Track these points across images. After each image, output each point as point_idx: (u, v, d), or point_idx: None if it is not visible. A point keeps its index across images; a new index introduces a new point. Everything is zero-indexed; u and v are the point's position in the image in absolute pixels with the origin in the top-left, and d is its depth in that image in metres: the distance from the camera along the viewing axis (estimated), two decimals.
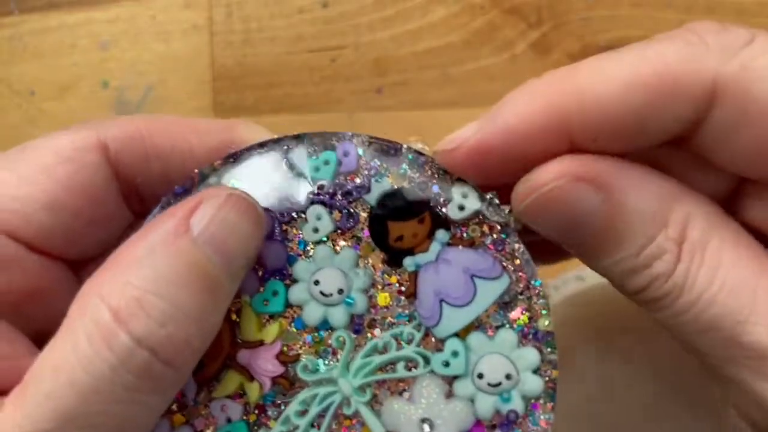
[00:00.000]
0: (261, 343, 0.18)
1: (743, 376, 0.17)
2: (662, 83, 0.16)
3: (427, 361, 0.18)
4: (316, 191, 0.19)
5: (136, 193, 0.20)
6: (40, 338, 0.19)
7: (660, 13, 0.33)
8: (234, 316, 0.19)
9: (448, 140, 0.18)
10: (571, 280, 0.29)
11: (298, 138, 0.19)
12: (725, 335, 0.16)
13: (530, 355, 0.17)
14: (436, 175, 0.19)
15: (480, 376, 0.17)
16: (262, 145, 0.19)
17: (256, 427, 0.18)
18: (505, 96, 0.18)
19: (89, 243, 0.19)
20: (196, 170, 0.19)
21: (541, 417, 0.17)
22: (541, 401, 0.17)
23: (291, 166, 0.19)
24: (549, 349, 0.17)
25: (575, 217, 0.17)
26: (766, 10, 0.32)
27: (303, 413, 0.18)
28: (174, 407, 0.18)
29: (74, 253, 0.19)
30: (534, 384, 0.17)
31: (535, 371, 0.17)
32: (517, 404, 0.17)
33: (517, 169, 0.17)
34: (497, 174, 0.18)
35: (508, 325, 0.18)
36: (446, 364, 0.17)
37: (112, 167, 0.19)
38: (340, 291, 0.18)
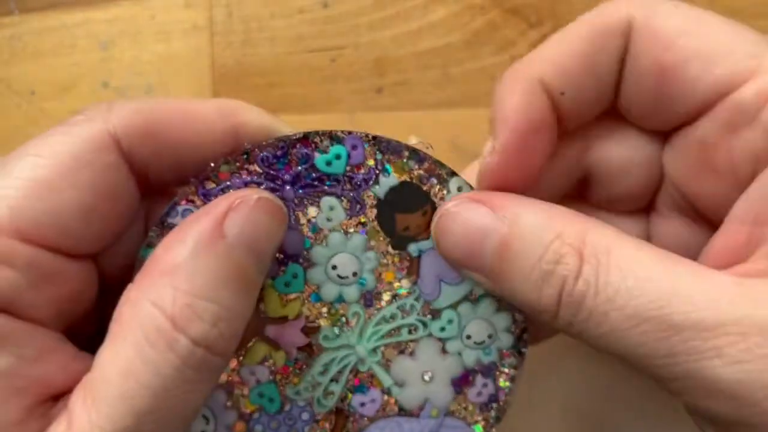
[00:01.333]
0: (285, 318, 0.21)
1: (683, 364, 0.16)
2: (596, 26, 0.20)
3: (425, 326, 0.22)
4: (328, 183, 0.21)
5: (145, 178, 0.20)
6: (71, 335, 0.20)
7: None
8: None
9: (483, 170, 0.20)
10: None
11: (306, 135, 0.20)
12: (655, 323, 0.16)
13: (505, 318, 0.22)
14: (434, 169, 0.21)
15: (468, 337, 0.22)
16: (273, 142, 0.20)
17: (282, 385, 0.21)
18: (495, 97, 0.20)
19: (113, 238, 0.20)
20: (211, 164, 0.20)
21: (512, 361, 0.22)
22: (511, 351, 0.22)
23: (302, 160, 0.21)
24: (518, 311, 0.22)
25: (474, 234, 0.19)
26: (764, 11, 0.33)
27: (324, 373, 0.21)
28: None
29: (100, 249, 0.20)
30: (507, 339, 0.22)
31: (508, 330, 0.22)
32: (495, 356, 0.22)
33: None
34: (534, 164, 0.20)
35: (488, 295, 0.22)
36: (442, 329, 0.22)
37: (127, 162, 0.19)
38: (354, 274, 0.21)
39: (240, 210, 0.18)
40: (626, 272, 0.17)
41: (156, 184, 0.21)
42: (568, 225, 0.18)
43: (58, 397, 0.19)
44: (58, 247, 0.18)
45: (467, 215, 0.20)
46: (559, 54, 0.20)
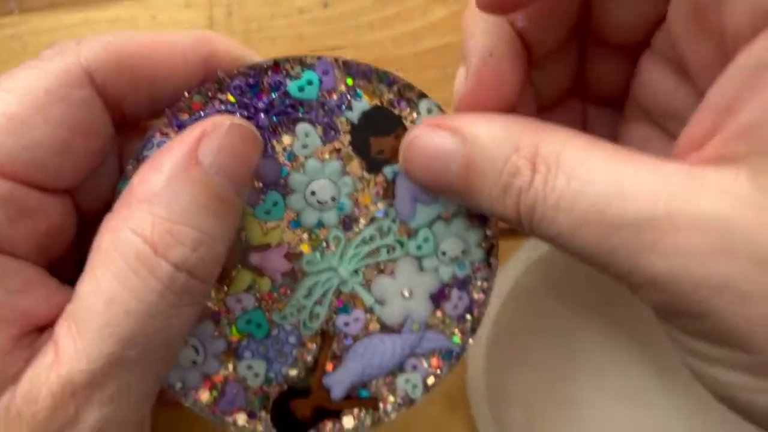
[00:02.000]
0: (268, 245, 0.21)
1: (624, 261, 0.17)
2: None
3: (402, 245, 0.23)
4: (301, 110, 0.21)
5: (119, 112, 0.20)
6: (54, 269, 0.20)
7: None
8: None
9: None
10: None
11: (277, 62, 0.21)
12: (595, 225, 0.17)
13: (477, 233, 0.23)
14: (404, 93, 0.22)
15: (443, 253, 0.23)
16: (246, 69, 0.20)
17: (268, 311, 0.22)
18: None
19: (88, 173, 0.20)
20: (185, 93, 0.20)
21: (485, 274, 0.24)
22: (483, 264, 0.24)
23: (275, 87, 0.21)
24: (489, 227, 0.23)
25: (438, 158, 0.20)
26: None
27: (308, 296, 0.22)
28: None
29: (76, 184, 0.19)
30: (479, 253, 0.23)
31: (479, 245, 0.23)
32: (468, 269, 0.23)
33: None
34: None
35: (460, 213, 0.23)
36: (419, 248, 0.23)
37: (101, 96, 0.19)
38: (333, 198, 0.22)
39: (213, 136, 0.18)
40: (571, 176, 0.17)
41: (131, 118, 0.20)
42: (524, 137, 0.19)
43: (43, 329, 0.19)
44: (35, 182, 0.18)
45: (428, 142, 0.20)
46: None
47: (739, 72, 0.17)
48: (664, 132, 0.24)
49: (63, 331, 0.18)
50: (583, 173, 0.17)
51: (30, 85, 0.18)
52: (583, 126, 0.26)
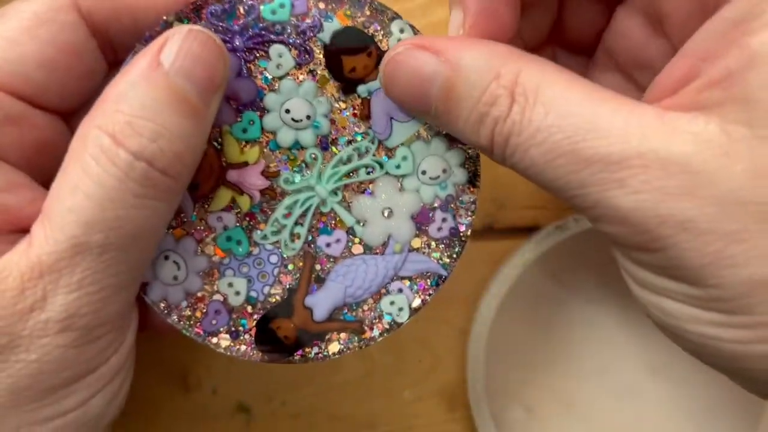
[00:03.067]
0: (245, 164, 0.22)
1: (593, 194, 0.17)
2: None
3: (381, 166, 0.23)
4: (275, 32, 0.22)
5: (110, 46, 0.22)
6: (49, 186, 0.21)
7: None
8: (218, 144, 0.22)
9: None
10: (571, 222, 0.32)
11: None
12: (569, 158, 0.17)
13: (458, 154, 0.23)
14: (376, 14, 0.22)
15: (423, 173, 0.23)
16: None
17: (250, 230, 0.22)
18: None
19: (77, 95, 0.21)
20: (163, 17, 0.21)
21: (468, 197, 0.23)
22: (468, 187, 0.23)
23: (248, 11, 0.22)
24: (471, 149, 0.23)
25: (419, 78, 0.20)
26: None
27: (287, 215, 0.22)
28: (175, 224, 0.22)
29: (66, 105, 0.21)
30: (461, 174, 0.23)
31: (462, 165, 0.23)
32: (450, 190, 0.23)
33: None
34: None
35: (441, 134, 0.23)
36: (398, 167, 0.23)
37: (87, 24, 0.21)
38: (308, 117, 0.22)
39: (173, 40, 0.19)
40: (549, 109, 0.18)
41: (121, 50, 0.22)
42: (506, 64, 0.19)
43: (27, 231, 0.20)
44: (23, 95, 0.20)
45: (412, 62, 0.20)
46: None
47: (720, 24, 0.18)
48: (631, 82, 0.25)
49: (37, 223, 0.19)
50: (561, 107, 0.18)
51: (19, 8, 0.20)
52: None
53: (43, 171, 0.21)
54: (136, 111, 0.18)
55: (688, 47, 0.19)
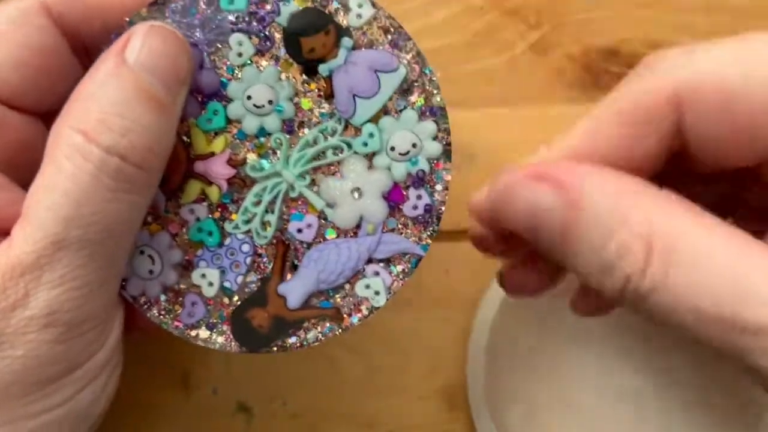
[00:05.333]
0: (212, 154, 0.22)
1: (752, 358, 0.16)
2: (636, 115, 0.18)
3: (349, 146, 0.22)
4: (234, 21, 0.22)
5: (82, 48, 0.23)
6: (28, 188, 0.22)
7: (660, 15, 0.33)
8: (186, 138, 0.22)
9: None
10: None
11: None
12: (727, 324, 0.16)
13: (429, 126, 0.22)
14: None
15: (392, 149, 0.22)
16: None
17: (221, 221, 0.22)
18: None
19: (54, 96, 0.22)
20: (126, 18, 0.22)
21: (443, 173, 0.22)
22: (441, 161, 0.22)
23: (208, 4, 0.22)
24: (443, 120, 0.22)
25: (534, 213, 0.18)
26: (763, 12, 0.32)
27: (257, 203, 0.22)
28: (149, 219, 0.22)
29: (43, 106, 0.22)
30: (434, 148, 0.22)
31: (434, 138, 0.22)
32: (423, 165, 0.22)
33: None
34: None
35: (409, 107, 0.22)
36: (365, 145, 0.22)
37: (59, 27, 0.22)
38: (270, 102, 0.22)
39: (135, 37, 0.20)
40: (694, 267, 0.16)
41: (94, 53, 0.23)
42: (636, 206, 0.17)
43: (7, 234, 0.21)
44: None
45: (526, 194, 0.18)
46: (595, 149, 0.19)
47: None
48: None
49: (16, 225, 0.20)
50: (709, 264, 0.16)
51: None
52: None
53: (22, 173, 0.22)
54: (106, 108, 0.19)
55: None
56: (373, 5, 0.22)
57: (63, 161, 0.19)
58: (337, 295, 0.22)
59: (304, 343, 0.22)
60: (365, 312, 0.22)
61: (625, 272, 0.16)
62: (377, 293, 0.22)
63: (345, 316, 0.22)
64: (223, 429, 0.31)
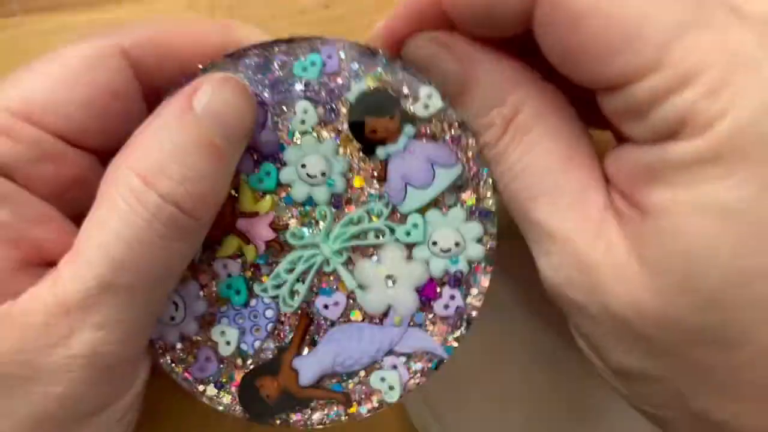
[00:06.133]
0: (256, 214, 0.22)
1: (530, 246, 0.20)
2: None
3: (392, 231, 0.22)
4: (303, 88, 0.22)
5: (154, 92, 0.23)
6: (79, 222, 0.22)
7: None
8: (233, 192, 0.22)
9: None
10: None
11: (289, 42, 0.22)
12: (519, 209, 0.20)
13: (475, 228, 0.21)
14: (407, 77, 0.22)
15: (434, 243, 0.21)
16: (256, 47, 0.22)
17: (251, 281, 0.22)
18: None
19: (115, 136, 0.22)
20: (199, 65, 0.22)
21: (482, 277, 0.21)
22: (482, 264, 0.21)
23: (281, 66, 0.22)
24: (490, 224, 0.21)
25: (437, 73, 0.21)
26: None
27: (290, 271, 0.22)
28: None
29: (104, 145, 0.22)
30: (477, 250, 0.21)
31: (479, 241, 0.21)
32: (462, 266, 0.21)
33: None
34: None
35: (459, 205, 0.22)
36: (408, 234, 0.22)
37: (134, 70, 0.22)
38: (323, 173, 0.22)
39: (206, 86, 0.20)
40: (523, 155, 0.20)
41: (165, 96, 0.23)
42: (514, 93, 0.20)
43: (54, 265, 0.21)
44: (62, 134, 0.21)
45: (435, 58, 0.21)
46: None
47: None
48: None
49: (63, 259, 0.20)
50: (533, 159, 0.20)
51: (68, 51, 0.22)
52: None
53: (75, 207, 0.22)
54: (166, 154, 0.19)
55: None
56: (442, 99, 0.22)
57: (119, 202, 0.19)
58: (350, 381, 0.22)
59: (308, 423, 0.22)
60: (375, 404, 0.21)
61: (485, 139, 0.21)
62: (391, 388, 0.21)
63: (354, 403, 0.21)
64: (223, 429, 0.30)
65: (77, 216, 0.22)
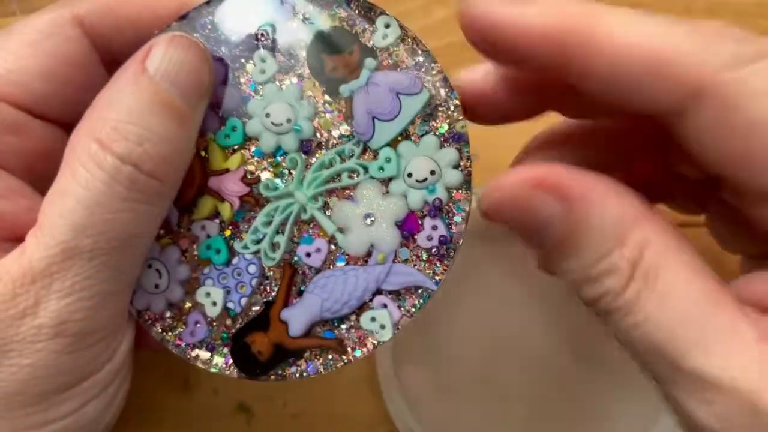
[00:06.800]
0: (227, 170, 0.22)
1: (678, 395, 0.17)
2: (659, 63, 0.17)
3: (366, 170, 0.21)
4: (259, 38, 0.22)
5: (112, 58, 0.23)
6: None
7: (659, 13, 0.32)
8: (203, 153, 0.22)
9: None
10: None
11: None
12: (669, 360, 0.17)
13: (450, 153, 0.21)
14: (362, 11, 0.21)
15: (410, 175, 0.21)
16: (208, 4, 0.22)
17: (231, 239, 0.22)
18: None
19: (78, 105, 0.22)
20: (155, 32, 0.22)
21: (463, 203, 0.21)
22: (461, 190, 0.21)
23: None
24: (465, 148, 0.21)
25: (535, 223, 0.18)
26: (765, 11, 0.32)
27: (268, 224, 0.21)
28: (161, 233, 0.22)
29: (67, 117, 0.22)
30: (454, 176, 0.21)
31: (455, 166, 0.21)
32: (441, 193, 0.21)
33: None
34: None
35: (431, 133, 0.21)
36: (381, 169, 0.21)
37: (90, 38, 0.22)
38: (288, 120, 0.21)
39: (157, 47, 0.20)
40: (664, 302, 0.17)
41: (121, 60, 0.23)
42: (635, 231, 0.17)
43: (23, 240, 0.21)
44: (23, 105, 0.21)
45: (529, 203, 0.18)
46: (612, 45, 0.17)
47: None
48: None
49: (30, 232, 0.20)
50: (676, 305, 0.17)
51: (23, 24, 0.22)
52: None
53: (42, 180, 0.22)
54: (122, 116, 0.19)
55: None
56: (401, 27, 0.21)
57: (78, 168, 0.19)
58: (342, 326, 0.21)
59: (304, 374, 0.21)
60: (370, 347, 0.21)
61: (606, 287, 0.17)
62: (383, 327, 0.21)
63: (348, 349, 0.21)
64: (223, 429, 0.30)
65: (47, 190, 0.22)
